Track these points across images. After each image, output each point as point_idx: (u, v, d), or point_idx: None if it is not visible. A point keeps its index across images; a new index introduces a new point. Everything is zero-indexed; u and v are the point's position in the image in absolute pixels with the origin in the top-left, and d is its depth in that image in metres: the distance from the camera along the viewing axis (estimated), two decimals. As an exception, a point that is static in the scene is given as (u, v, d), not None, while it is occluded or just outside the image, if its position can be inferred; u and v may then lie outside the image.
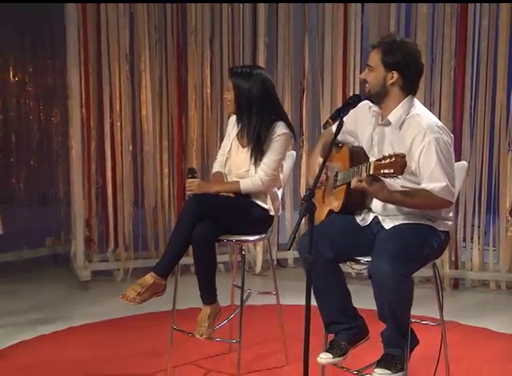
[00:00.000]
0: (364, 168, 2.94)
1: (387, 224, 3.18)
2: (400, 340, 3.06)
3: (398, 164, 2.77)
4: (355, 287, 3.30)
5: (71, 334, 4.42)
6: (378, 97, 3.16)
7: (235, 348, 3.70)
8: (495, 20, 5.24)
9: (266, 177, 3.72)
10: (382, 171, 2.81)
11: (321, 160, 3.17)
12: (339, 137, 3.14)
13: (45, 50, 6.22)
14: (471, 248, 5.50)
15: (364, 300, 3.27)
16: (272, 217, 3.81)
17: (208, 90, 5.81)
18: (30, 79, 6.29)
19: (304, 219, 2.82)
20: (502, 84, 5.29)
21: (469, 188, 5.37)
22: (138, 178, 5.80)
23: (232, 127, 3.92)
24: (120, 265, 5.68)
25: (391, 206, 3.16)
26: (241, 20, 5.82)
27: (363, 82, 3.20)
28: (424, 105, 3.31)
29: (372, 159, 3.16)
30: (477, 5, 5.31)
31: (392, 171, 2.78)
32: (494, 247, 5.57)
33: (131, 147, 5.69)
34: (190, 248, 3.59)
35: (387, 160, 2.79)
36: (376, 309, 3.07)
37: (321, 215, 3.35)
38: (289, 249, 3.02)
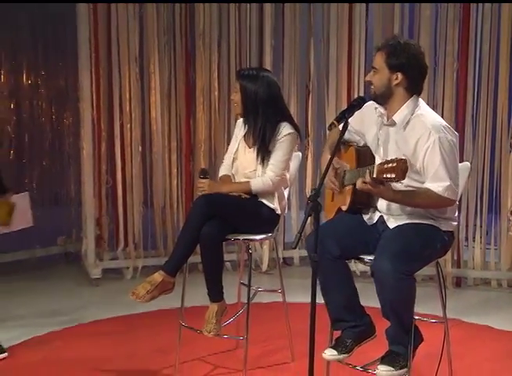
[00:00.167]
0: (368, 171, 2.93)
1: (392, 223, 3.17)
2: (404, 337, 3.04)
3: (400, 169, 2.76)
4: (359, 286, 3.29)
5: (81, 331, 4.42)
6: (383, 98, 3.15)
7: (242, 345, 3.70)
8: (497, 23, 5.23)
9: (276, 177, 3.71)
10: (384, 175, 2.80)
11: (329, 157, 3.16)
12: (346, 135, 3.14)
13: (57, 54, 6.24)
14: (473, 247, 5.49)
15: (369, 298, 3.25)
16: (279, 216, 3.80)
17: (216, 92, 5.80)
18: (42, 82, 6.30)
19: (309, 218, 2.80)
20: (504, 86, 5.28)
21: (471, 188, 5.35)
22: (148, 178, 5.80)
23: (239, 129, 3.91)
24: (130, 264, 5.69)
25: (395, 206, 3.14)
26: (248, 24, 5.82)
27: (368, 84, 3.19)
28: (427, 106, 3.30)
29: (377, 160, 3.17)
30: (480, 8, 5.30)
31: (394, 175, 2.77)
32: (495, 246, 5.56)
33: (140, 148, 5.69)
34: (198, 247, 3.58)
35: (389, 165, 2.78)
36: (380, 306, 3.06)
37: (331, 212, 3.36)
38: (295, 248, 3.01)
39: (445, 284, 3.32)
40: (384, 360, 3.03)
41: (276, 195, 3.76)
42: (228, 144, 4.06)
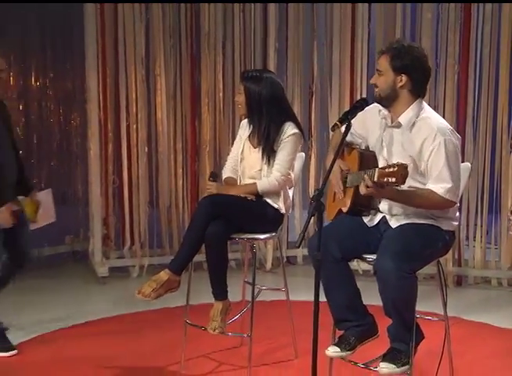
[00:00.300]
0: (368, 174, 2.93)
1: (394, 223, 3.17)
2: (405, 335, 3.04)
3: (400, 173, 2.76)
4: (362, 284, 3.29)
5: (89, 328, 4.43)
6: (388, 100, 3.14)
7: (246, 342, 3.69)
8: (498, 26, 5.22)
9: (282, 177, 3.71)
10: (385, 179, 2.80)
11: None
12: (348, 138, 3.14)
13: (65, 56, 6.25)
14: (474, 247, 5.48)
15: (371, 296, 3.25)
16: (283, 216, 3.80)
17: (221, 94, 5.81)
18: (50, 84, 6.32)
19: (313, 218, 2.80)
20: (505, 87, 5.27)
21: (472, 189, 5.35)
22: (153, 178, 5.80)
23: (243, 130, 3.91)
24: (136, 262, 5.69)
25: (396, 206, 3.14)
26: (252, 27, 5.82)
27: (374, 86, 3.18)
28: (428, 108, 3.29)
29: (381, 161, 3.17)
30: (480, 11, 5.29)
31: (394, 180, 2.77)
32: (496, 245, 5.55)
33: (146, 149, 5.70)
34: (203, 246, 3.59)
35: (390, 169, 2.78)
36: (381, 305, 3.06)
37: (331, 213, 3.35)
38: (298, 247, 3.01)
39: (446, 283, 3.31)
40: (385, 358, 3.03)
41: (282, 195, 3.77)
42: (233, 145, 4.06)
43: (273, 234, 3.76)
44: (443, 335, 3.30)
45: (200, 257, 3.67)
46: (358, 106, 3.12)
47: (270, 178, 3.71)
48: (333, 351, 3.14)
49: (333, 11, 5.76)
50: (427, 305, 3.77)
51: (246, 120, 3.89)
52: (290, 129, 3.73)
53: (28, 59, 6.19)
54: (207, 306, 3.70)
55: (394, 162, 2.82)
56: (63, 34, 6.21)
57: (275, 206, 3.74)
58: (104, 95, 5.53)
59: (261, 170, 3.77)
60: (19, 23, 5.98)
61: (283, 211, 3.77)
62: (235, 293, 3.85)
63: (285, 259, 5.81)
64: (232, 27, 5.77)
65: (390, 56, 3.10)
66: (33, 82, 6.22)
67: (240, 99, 3.78)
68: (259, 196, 3.73)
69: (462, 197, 4.32)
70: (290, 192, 3.86)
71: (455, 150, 3.07)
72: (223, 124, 5.85)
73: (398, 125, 3.15)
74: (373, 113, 3.23)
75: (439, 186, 3.03)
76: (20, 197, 3.93)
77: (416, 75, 3.10)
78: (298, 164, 3.90)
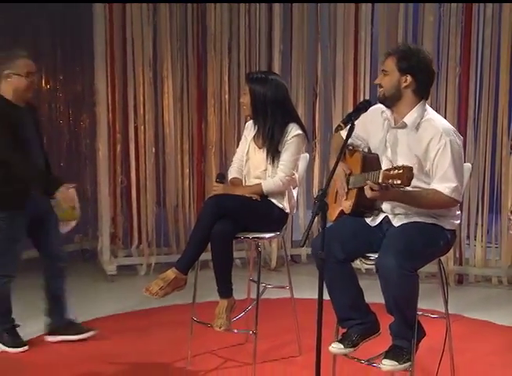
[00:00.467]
0: (373, 176, 2.93)
1: (397, 222, 3.17)
2: (407, 332, 3.04)
3: (405, 175, 2.75)
4: (364, 283, 3.29)
5: (98, 325, 4.42)
6: (392, 100, 3.14)
7: (251, 339, 3.70)
8: (498, 29, 5.22)
9: (286, 177, 3.72)
10: (390, 181, 2.80)
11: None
12: (349, 140, 3.13)
13: (75, 60, 6.26)
14: (475, 246, 5.48)
15: (374, 295, 3.25)
16: (287, 216, 3.81)
17: (226, 96, 5.81)
18: (60, 86, 6.33)
19: (316, 218, 2.81)
20: (505, 90, 5.27)
21: (473, 189, 5.34)
22: (161, 178, 5.81)
23: (248, 131, 3.91)
24: (144, 261, 5.70)
25: (399, 206, 3.14)
26: (257, 30, 5.83)
27: (378, 86, 3.19)
28: (430, 110, 3.29)
29: (384, 162, 3.17)
30: (481, 14, 5.29)
31: (399, 182, 2.77)
32: (496, 244, 5.55)
33: (153, 150, 5.71)
34: (209, 245, 3.59)
35: (396, 171, 2.78)
36: (384, 302, 3.06)
37: (332, 214, 3.35)
38: (302, 246, 3.01)
39: (447, 281, 3.32)
40: (388, 355, 3.03)
41: (286, 194, 3.77)
42: (238, 146, 4.06)
43: (278, 233, 3.76)
44: (444, 333, 3.29)
45: (206, 256, 3.68)
46: (361, 107, 3.12)
47: (275, 179, 3.72)
48: (336, 348, 3.15)
49: (336, 14, 5.76)
50: (428, 303, 3.78)
51: (251, 121, 3.89)
52: (293, 130, 3.73)
53: (39, 62, 6.18)
54: (212, 304, 3.70)
55: (399, 164, 2.82)
56: (73, 38, 6.22)
57: (280, 206, 3.75)
58: (113, 97, 5.55)
59: (265, 170, 3.77)
60: (31, 24, 5.99)
61: (287, 210, 3.77)
62: (240, 291, 3.86)
63: (289, 258, 5.82)
64: (238, 30, 5.78)
65: (396, 58, 3.11)
66: (43, 84, 6.23)
67: (245, 100, 3.79)
68: (264, 196, 3.73)
69: (463, 196, 4.32)
70: (295, 192, 3.86)
71: (459, 150, 3.09)
72: (229, 126, 5.85)
73: (403, 126, 3.15)
74: (375, 115, 3.23)
75: (444, 185, 3.03)
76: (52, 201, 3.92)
77: (420, 77, 3.11)
78: (302, 165, 3.91)
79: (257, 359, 3.59)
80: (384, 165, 3.16)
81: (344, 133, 3.25)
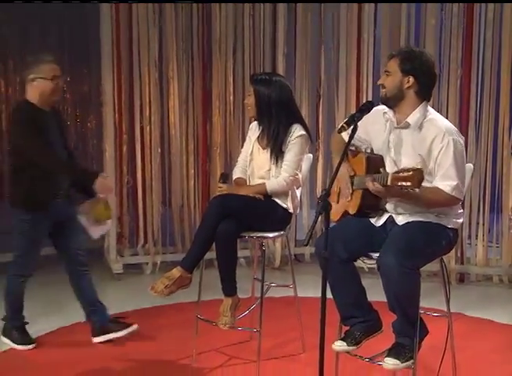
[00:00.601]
0: (379, 178, 2.93)
1: (400, 221, 3.17)
2: (409, 330, 3.04)
3: (416, 177, 2.75)
4: (367, 281, 3.29)
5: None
6: (394, 100, 3.15)
7: (255, 337, 3.70)
8: (499, 31, 5.21)
9: (290, 177, 3.72)
10: (399, 183, 2.80)
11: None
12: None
13: (82, 62, 6.27)
14: (476, 245, 5.48)
15: (376, 293, 3.25)
16: (291, 215, 3.81)
17: (231, 97, 5.82)
18: (68, 87, 6.34)
19: (320, 217, 2.81)
20: (506, 91, 5.26)
21: (474, 189, 5.34)
22: (166, 178, 5.82)
23: (252, 131, 3.92)
24: (149, 260, 5.71)
25: (402, 205, 3.14)
26: (262, 32, 5.83)
27: (381, 87, 3.19)
28: (432, 111, 3.30)
29: (388, 162, 3.17)
30: (482, 17, 5.29)
31: (409, 184, 2.77)
32: (497, 243, 5.55)
33: (159, 150, 5.72)
34: (214, 244, 3.60)
35: (405, 174, 2.78)
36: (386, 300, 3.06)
37: (335, 214, 3.34)
38: (306, 245, 3.01)
39: (448, 280, 3.32)
40: (390, 353, 3.03)
41: (290, 194, 3.77)
42: (243, 146, 4.07)
43: (282, 233, 3.77)
44: (446, 331, 3.30)
45: (211, 255, 3.68)
46: (364, 108, 3.12)
47: (278, 179, 3.72)
48: (339, 345, 3.15)
49: (339, 16, 5.76)
50: (430, 301, 3.77)
51: (255, 122, 3.89)
52: (297, 131, 3.73)
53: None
54: (217, 302, 3.70)
55: (405, 165, 2.82)
56: (80, 41, 6.23)
57: (284, 205, 3.75)
58: (119, 98, 5.55)
59: (269, 170, 3.78)
60: (38, 23, 6.00)
61: (291, 210, 3.78)
62: (245, 289, 3.86)
63: (293, 257, 5.81)
64: (242, 32, 5.78)
65: (400, 59, 3.12)
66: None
67: (250, 101, 3.79)
68: (268, 196, 3.73)
69: (465, 196, 4.32)
70: (298, 192, 3.86)
71: (462, 149, 3.10)
72: (233, 127, 5.86)
73: (407, 126, 3.15)
74: (377, 117, 3.23)
75: (446, 183, 3.04)
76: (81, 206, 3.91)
77: (423, 78, 3.11)
78: (306, 165, 3.91)
79: (262, 356, 3.60)
80: (388, 166, 3.16)
81: (344, 134, 3.25)
